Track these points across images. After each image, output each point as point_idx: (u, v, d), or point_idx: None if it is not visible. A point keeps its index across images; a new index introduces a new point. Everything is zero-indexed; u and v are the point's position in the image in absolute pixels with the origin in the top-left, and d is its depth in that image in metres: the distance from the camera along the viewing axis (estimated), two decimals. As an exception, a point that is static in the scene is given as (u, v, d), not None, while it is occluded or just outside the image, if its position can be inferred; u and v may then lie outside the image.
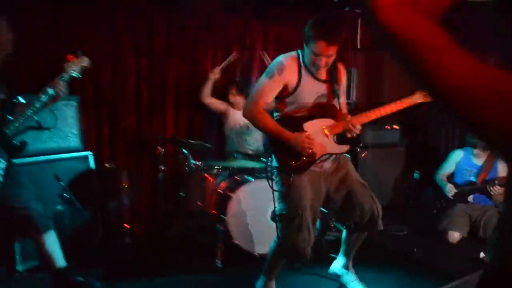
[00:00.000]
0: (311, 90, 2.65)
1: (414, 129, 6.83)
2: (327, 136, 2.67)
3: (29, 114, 2.61)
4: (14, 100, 2.66)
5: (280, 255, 2.79)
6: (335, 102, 2.75)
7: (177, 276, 3.38)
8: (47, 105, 2.68)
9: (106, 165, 3.96)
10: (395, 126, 5.57)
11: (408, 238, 4.37)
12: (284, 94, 2.63)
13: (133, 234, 4.01)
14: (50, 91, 2.66)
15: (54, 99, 2.69)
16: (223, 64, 4.59)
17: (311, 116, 2.67)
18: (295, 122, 2.64)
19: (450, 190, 4.40)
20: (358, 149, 5.25)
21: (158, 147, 4.11)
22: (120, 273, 3.43)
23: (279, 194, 2.67)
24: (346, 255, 3.08)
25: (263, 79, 2.61)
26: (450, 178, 4.59)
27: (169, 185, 4.30)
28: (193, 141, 4.08)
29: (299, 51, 2.68)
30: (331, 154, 2.70)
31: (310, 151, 2.56)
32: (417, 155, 6.10)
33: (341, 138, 2.70)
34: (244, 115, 2.63)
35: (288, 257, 2.76)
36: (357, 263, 3.16)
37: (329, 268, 3.24)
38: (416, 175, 6.00)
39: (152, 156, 4.41)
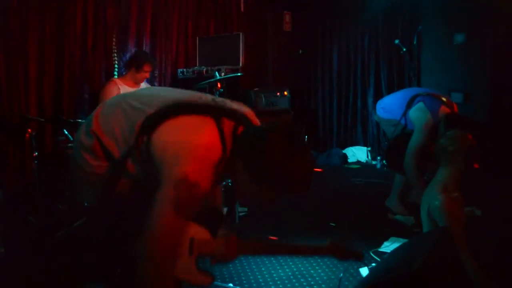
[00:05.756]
0: None
1: (300, 95, 6.86)
2: (188, 254, 1.63)
3: None
4: None
5: None
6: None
7: None
8: None
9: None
10: (285, 93, 5.45)
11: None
12: None
13: (7, 242, 3.18)
14: None
15: None
16: None
17: None
18: None
19: None
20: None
21: (28, 129, 3.31)
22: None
23: None
24: None
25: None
26: None
27: (47, 175, 3.50)
28: (81, 120, 3.34)
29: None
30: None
31: None
32: (302, 120, 6.14)
33: (205, 263, 1.72)
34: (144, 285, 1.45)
35: None
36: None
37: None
38: (304, 139, 6.03)
39: (20, 142, 3.56)
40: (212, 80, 4.10)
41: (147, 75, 4.03)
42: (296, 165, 1.44)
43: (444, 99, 3.40)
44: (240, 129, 1.55)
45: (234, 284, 2.59)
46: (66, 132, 3.42)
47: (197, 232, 1.65)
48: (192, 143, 1.46)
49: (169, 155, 1.47)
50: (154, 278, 1.44)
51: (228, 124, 1.55)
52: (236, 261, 2.92)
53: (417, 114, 3.38)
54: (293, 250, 1.92)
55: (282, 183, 1.46)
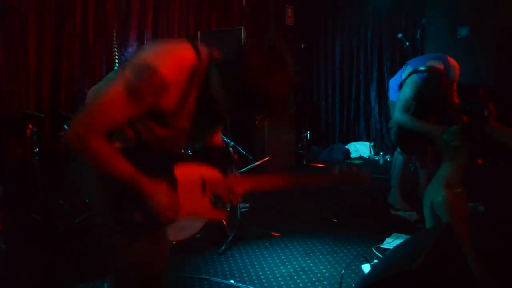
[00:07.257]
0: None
1: (302, 89, 6.82)
2: (202, 194, 1.73)
3: None
4: None
5: None
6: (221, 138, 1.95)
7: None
8: None
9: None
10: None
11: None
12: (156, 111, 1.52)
13: (8, 237, 3.17)
14: None
15: None
16: None
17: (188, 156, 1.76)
18: (162, 161, 1.62)
19: None
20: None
21: (29, 125, 3.31)
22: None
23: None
24: None
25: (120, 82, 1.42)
26: None
27: (47, 170, 3.50)
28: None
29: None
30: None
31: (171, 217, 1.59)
32: (305, 115, 6.11)
33: (218, 200, 1.78)
34: (70, 139, 1.38)
35: None
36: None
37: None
38: (307, 134, 6.01)
39: (21, 137, 3.55)
40: (213, 74, 4.08)
41: None
42: (273, 82, 1.36)
43: (433, 63, 3.29)
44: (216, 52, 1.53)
45: (235, 281, 2.57)
46: (67, 128, 3.41)
47: (208, 172, 1.73)
48: (165, 46, 1.46)
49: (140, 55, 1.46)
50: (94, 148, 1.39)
51: (205, 49, 1.53)
52: (238, 258, 2.91)
53: (405, 73, 3.37)
54: (303, 181, 1.95)
55: (257, 98, 1.39)
